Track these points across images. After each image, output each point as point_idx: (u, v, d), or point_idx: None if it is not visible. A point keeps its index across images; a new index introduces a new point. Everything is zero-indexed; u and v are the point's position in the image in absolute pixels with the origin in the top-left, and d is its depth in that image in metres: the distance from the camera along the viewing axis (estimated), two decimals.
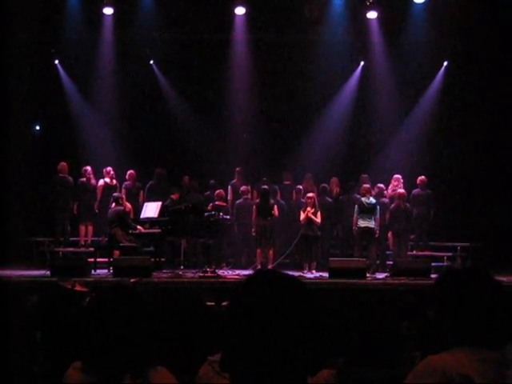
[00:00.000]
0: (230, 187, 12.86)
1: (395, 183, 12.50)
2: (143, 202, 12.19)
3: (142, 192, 12.80)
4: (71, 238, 12.73)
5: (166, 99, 14.55)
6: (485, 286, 2.08)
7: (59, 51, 14.04)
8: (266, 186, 11.92)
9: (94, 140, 13.72)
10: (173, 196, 12.17)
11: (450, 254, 12.43)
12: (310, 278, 10.44)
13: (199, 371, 2.15)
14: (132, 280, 8.17)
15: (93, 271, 10.46)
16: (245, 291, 1.52)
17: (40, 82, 13.09)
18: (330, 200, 12.38)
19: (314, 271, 11.26)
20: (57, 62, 14.22)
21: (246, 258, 12.54)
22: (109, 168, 12.61)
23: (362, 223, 11.39)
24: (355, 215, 11.50)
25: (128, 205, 12.06)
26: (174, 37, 13.99)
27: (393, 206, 12.02)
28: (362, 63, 14.52)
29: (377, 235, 11.53)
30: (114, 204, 11.37)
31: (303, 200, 11.86)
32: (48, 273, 9.56)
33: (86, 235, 12.68)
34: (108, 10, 13.41)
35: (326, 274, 10.52)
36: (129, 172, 12.77)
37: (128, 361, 2.18)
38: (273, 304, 1.46)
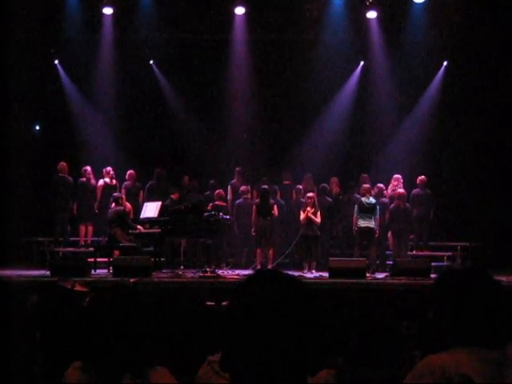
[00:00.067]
0: (229, 187, 12.86)
1: (395, 183, 12.50)
2: (143, 202, 12.19)
3: (141, 192, 12.80)
4: (71, 238, 12.73)
5: (165, 99, 14.54)
6: (484, 285, 2.08)
7: (59, 51, 14.03)
8: (265, 186, 11.92)
9: (93, 140, 13.72)
10: (172, 196, 12.17)
11: (449, 253, 12.42)
12: (310, 278, 10.43)
13: (199, 371, 2.15)
14: (132, 280, 8.17)
15: (93, 271, 10.45)
16: (245, 291, 1.52)
17: (40, 81, 13.10)
18: (329, 200, 12.38)
19: (313, 271, 11.26)
20: (56, 62, 14.21)
21: (245, 257, 12.55)
22: (109, 168, 12.61)
23: (362, 223, 11.39)
24: (355, 215, 11.50)
25: (128, 205, 12.06)
26: (173, 37, 13.99)
27: (393, 205, 12.02)
28: (361, 63, 14.52)
29: (377, 235, 11.53)
30: (113, 204, 11.37)
31: (303, 200, 11.86)
32: (48, 273, 9.55)
33: (85, 235, 12.68)
34: (108, 10, 13.40)
35: (325, 274, 10.52)
36: (129, 172, 12.77)
37: (128, 361, 2.18)
38: (273, 304, 1.46)
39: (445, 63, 14.20)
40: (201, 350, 2.55)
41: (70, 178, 12.56)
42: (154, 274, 10.02)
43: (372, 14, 13.50)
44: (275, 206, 11.73)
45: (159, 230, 10.88)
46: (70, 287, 6.00)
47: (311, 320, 1.49)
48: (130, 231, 11.06)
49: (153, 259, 10.54)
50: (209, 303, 5.31)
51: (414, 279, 9.59)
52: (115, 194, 11.72)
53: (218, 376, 1.99)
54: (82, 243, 12.62)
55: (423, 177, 12.58)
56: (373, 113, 14.10)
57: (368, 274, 10.49)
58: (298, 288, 1.52)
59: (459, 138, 13.45)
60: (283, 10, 13.41)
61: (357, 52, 14.30)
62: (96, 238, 12.52)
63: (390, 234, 12.28)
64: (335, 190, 12.79)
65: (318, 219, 11.41)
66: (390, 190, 12.51)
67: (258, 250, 11.77)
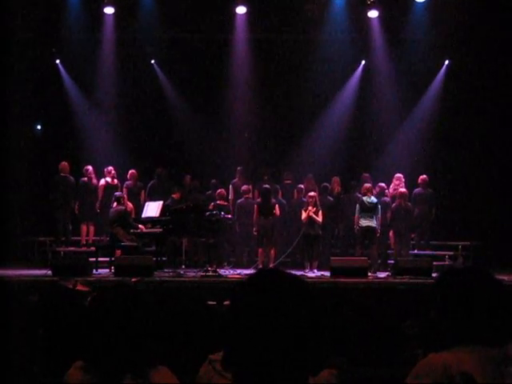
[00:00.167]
0: (231, 186, 12.85)
1: (397, 182, 12.50)
2: (144, 202, 12.20)
3: (143, 191, 12.81)
4: (72, 238, 12.73)
5: (167, 98, 14.55)
6: (485, 284, 2.08)
7: (60, 51, 14.03)
8: (267, 186, 11.92)
9: (95, 139, 13.73)
10: (174, 195, 12.17)
11: (451, 252, 12.41)
12: (312, 277, 10.43)
13: (200, 370, 2.14)
14: (133, 279, 8.16)
15: (94, 271, 10.46)
16: (247, 290, 1.52)
17: (41, 81, 13.11)
18: (331, 199, 12.37)
19: (315, 270, 11.25)
20: (58, 61, 14.20)
21: (247, 257, 12.55)
22: (110, 167, 12.61)
23: (364, 222, 11.38)
24: (356, 214, 11.50)
25: (129, 204, 12.07)
26: (174, 36, 13.99)
27: (394, 205, 12.03)
28: (363, 62, 14.51)
29: (378, 234, 11.53)
30: (115, 203, 11.37)
31: (304, 199, 11.85)
32: (49, 272, 9.55)
33: (87, 235, 12.68)
34: (109, 10, 13.39)
35: (327, 273, 10.52)
36: (130, 171, 12.78)
37: (129, 360, 2.18)
38: (275, 303, 1.46)
39: (446, 62, 14.19)
40: (202, 350, 2.55)
41: (72, 178, 12.57)
42: (155, 273, 10.02)
43: (373, 13, 13.49)
44: (277, 206, 11.72)
45: (161, 230, 10.88)
46: (71, 287, 5.99)
47: (313, 319, 1.49)
48: (132, 231, 11.07)
49: (154, 259, 10.54)
50: (210, 303, 5.32)
51: (416, 278, 9.59)
52: (117, 194, 11.72)
53: (219, 376, 1.99)
54: (84, 243, 12.62)
55: (425, 176, 12.57)
56: (374, 112, 14.10)
57: (370, 274, 10.48)
58: (301, 287, 1.52)
59: (460, 137, 13.45)
60: (284, 9, 13.40)
61: (358, 51, 14.29)
62: (97, 238, 12.53)
63: (391, 233, 12.28)
64: (337, 189, 12.79)
65: (320, 218, 11.41)
66: (391, 189, 12.51)
67: (260, 250, 11.77)
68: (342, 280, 9.53)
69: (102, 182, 12.56)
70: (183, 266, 11.65)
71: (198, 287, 8.86)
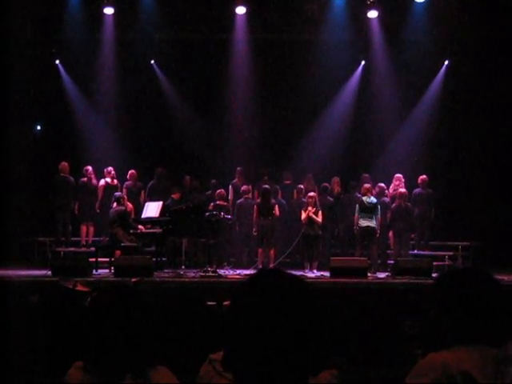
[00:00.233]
0: (230, 187, 12.85)
1: (396, 182, 12.51)
2: (144, 202, 12.20)
3: (143, 192, 12.81)
4: (72, 238, 12.73)
5: (166, 99, 14.54)
6: (484, 285, 2.08)
7: (60, 51, 14.04)
8: (266, 186, 11.92)
9: (95, 140, 13.73)
10: (174, 196, 12.18)
11: (451, 253, 12.41)
12: (312, 278, 10.43)
13: (200, 370, 2.14)
14: (133, 280, 8.16)
15: (94, 271, 10.46)
16: (248, 290, 1.52)
17: (41, 81, 13.10)
18: (331, 199, 12.37)
19: (315, 270, 11.25)
20: (57, 61, 14.21)
21: (247, 257, 12.55)
22: (110, 168, 12.61)
23: (363, 222, 11.39)
24: (356, 214, 11.50)
25: (129, 204, 12.07)
26: (174, 36, 14.01)
27: (394, 205, 12.04)
28: (362, 62, 14.52)
29: (377, 234, 11.53)
30: (115, 204, 11.37)
31: (304, 199, 11.86)
32: (49, 273, 9.56)
33: (87, 235, 12.68)
34: (109, 10, 13.40)
35: (327, 274, 10.52)
36: (130, 172, 12.78)
37: (129, 360, 2.18)
38: (276, 303, 1.46)
39: (446, 62, 14.20)
40: (202, 350, 2.55)
41: (72, 178, 12.57)
42: (155, 273, 10.03)
43: (373, 14, 13.50)
44: (276, 206, 11.72)
45: (160, 230, 10.89)
46: (71, 287, 6.00)
47: (314, 320, 1.49)
48: (132, 231, 11.06)
49: (154, 259, 10.55)
50: (210, 303, 5.32)
51: (416, 278, 9.60)
52: (117, 194, 11.72)
53: (219, 376, 1.99)
54: (84, 243, 12.62)
55: (424, 176, 12.58)
56: (374, 112, 14.10)
57: (369, 274, 10.49)
58: (301, 287, 1.52)
59: (460, 138, 13.46)
60: (284, 9, 13.42)
61: (358, 51, 14.31)
62: (97, 238, 12.53)
63: (391, 234, 12.29)
64: (336, 189, 12.79)
65: (320, 219, 11.41)
66: (391, 190, 12.52)
67: (260, 250, 11.77)
68: (342, 280, 9.53)
69: (102, 182, 12.56)
70: (183, 267, 11.65)
71: (197, 287, 8.86)
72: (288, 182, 13.14)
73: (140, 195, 12.77)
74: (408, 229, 12.13)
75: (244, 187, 12.37)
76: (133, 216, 11.83)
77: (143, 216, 11.48)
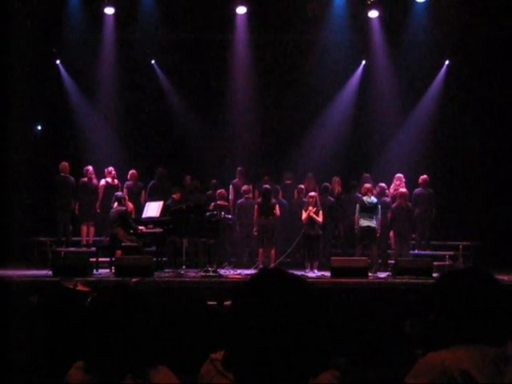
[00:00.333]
0: (231, 187, 12.85)
1: (397, 182, 12.50)
2: (145, 202, 12.20)
3: (143, 192, 12.82)
4: (73, 238, 12.74)
5: (167, 99, 14.55)
6: (485, 285, 2.09)
7: (60, 51, 14.05)
8: (267, 186, 11.92)
9: (95, 140, 13.74)
10: (174, 196, 12.17)
11: (451, 252, 12.42)
12: (312, 278, 10.43)
13: (201, 370, 2.14)
14: (134, 280, 8.16)
15: (95, 271, 10.45)
16: (249, 290, 1.52)
17: (41, 81, 13.11)
18: (331, 199, 12.36)
19: (315, 270, 11.25)
20: (58, 61, 14.22)
21: (247, 257, 12.54)
22: (110, 168, 12.61)
23: (364, 222, 11.38)
24: (357, 214, 11.50)
25: (130, 204, 12.07)
26: (175, 36, 14.00)
27: (394, 205, 12.03)
28: (363, 62, 14.52)
29: (378, 234, 11.53)
30: (116, 204, 11.36)
31: (305, 199, 11.85)
32: (50, 273, 9.55)
33: (87, 235, 12.68)
34: (109, 10, 13.41)
35: (327, 274, 10.51)
36: (130, 172, 12.79)
37: (129, 360, 2.18)
38: (277, 303, 1.46)
39: (446, 62, 14.20)
40: (202, 350, 2.55)
41: (72, 178, 12.57)
42: (155, 273, 10.02)
43: (373, 14, 13.51)
44: (277, 206, 11.72)
45: (161, 230, 10.88)
46: (71, 287, 6.00)
47: (315, 320, 1.49)
48: (132, 231, 11.06)
49: (155, 259, 10.54)
50: (210, 303, 5.32)
51: (416, 278, 9.58)
52: (118, 194, 11.71)
53: (220, 375, 1.99)
54: (84, 243, 12.62)
55: (425, 176, 12.57)
56: (374, 112, 14.10)
57: (370, 274, 10.48)
58: (302, 287, 1.52)
59: (461, 137, 13.45)
60: (285, 9, 13.41)
61: (358, 51, 14.30)
62: (98, 238, 12.54)
63: (392, 234, 12.28)
64: (337, 189, 12.79)
65: (320, 219, 11.40)
66: (392, 190, 12.51)
67: (260, 250, 11.77)
68: (343, 280, 9.52)
69: (103, 182, 12.56)
70: (183, 267, 11.64)
71: (198, 287, 8.86)
72: (288, 181, 13.14)
73: (140, 195, 12.78)
74: (408, 229, 12.13)
75: (244, 187, 12.36)
76: (133, 216, 11.83)
77: (144, 216, 11.48)
